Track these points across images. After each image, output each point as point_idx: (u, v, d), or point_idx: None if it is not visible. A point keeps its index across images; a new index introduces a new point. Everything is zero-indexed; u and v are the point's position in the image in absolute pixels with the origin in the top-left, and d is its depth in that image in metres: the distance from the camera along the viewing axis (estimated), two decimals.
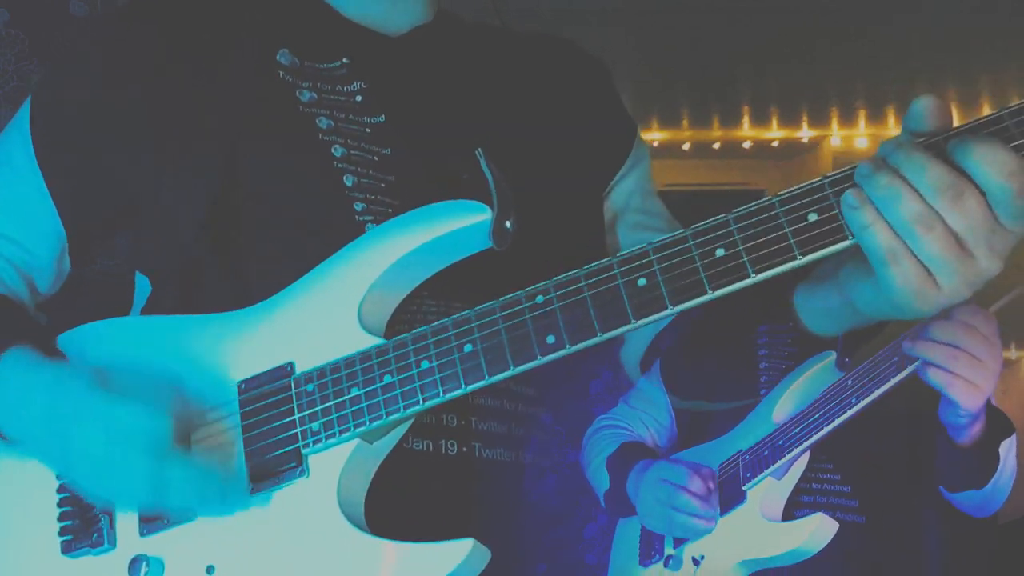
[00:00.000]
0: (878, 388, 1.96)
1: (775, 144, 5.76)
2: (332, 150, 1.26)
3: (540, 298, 1.05)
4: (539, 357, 1.05)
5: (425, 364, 1.09)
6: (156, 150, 1.26)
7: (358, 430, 1.11)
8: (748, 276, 0.97)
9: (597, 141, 1.41)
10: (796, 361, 2.23)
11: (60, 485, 1.21)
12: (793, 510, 2.19)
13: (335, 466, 1.12)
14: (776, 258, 0.96)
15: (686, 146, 5.57)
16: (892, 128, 5.72)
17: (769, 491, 2.19)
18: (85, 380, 1.11)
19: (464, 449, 1.25)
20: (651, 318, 1.01)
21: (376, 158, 1.28)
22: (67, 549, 1.18)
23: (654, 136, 5.23)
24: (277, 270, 1.20)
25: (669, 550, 2.33)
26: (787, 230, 0.96)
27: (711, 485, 2.21)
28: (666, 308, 1.00)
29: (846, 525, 2.14)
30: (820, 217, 0.95)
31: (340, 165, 1.26)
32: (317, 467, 1.13)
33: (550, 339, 1.04)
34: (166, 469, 1.08)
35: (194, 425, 1.15)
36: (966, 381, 1.77)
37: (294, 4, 1.36)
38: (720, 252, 0.98)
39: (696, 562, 2.26)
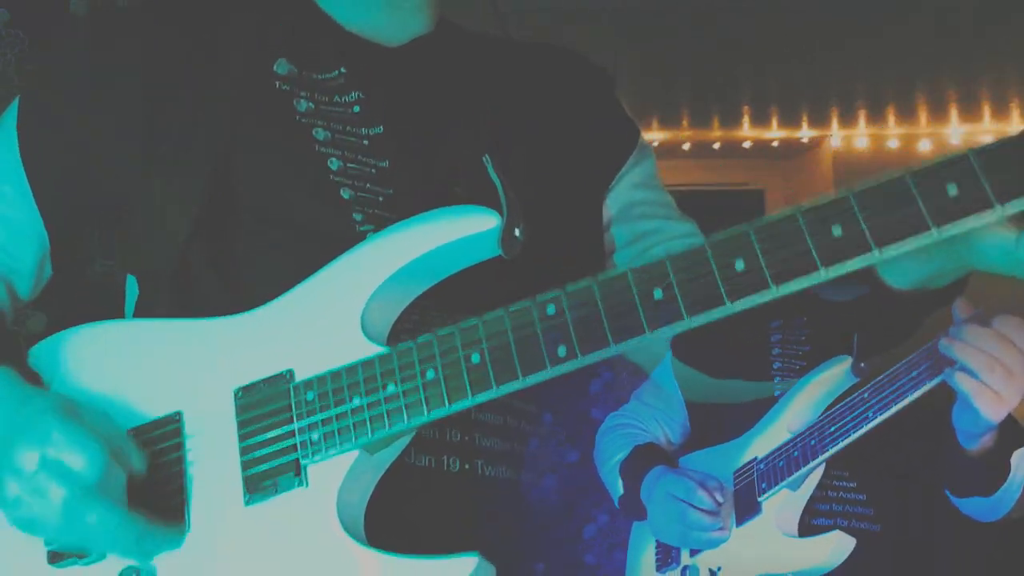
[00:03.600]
0: (896, 403, 1.96)
1: (775, 144, 5.75)
2: (328, 163, 1.24)
3: (551, 308, 1.02)
4: (549, 367, 1.01)
5: (431, 374, 1.06)
6: (146, 154, 1.23)
7: (360, 441, 1.08)
8: (768, 288, 0.94)
9: (597, 146, 1.39)
10: (809, 362, 2.23)
11: None
12: (809, 519, 2.18)
13: (335, 478, 1.09)
14: (797, 270, 0.93)
15: (686, 146, 5.56)
16: (892, 128, 5.72)
17: (785, 503, 2.17)
18: (49, 401, 1.10)
19: (467, 466, 1.23)
20: (667, 329, 0.98)
21: (374, 171, 1.25)
22: (54, 560, 1.14)
23: (654, 136, 5.23)
24: (272, 276, 1.17)
25: (686, 559, 2.32)
26: (809, 243, 0.93)
27: (719, 497, 2.20)
28: (683, 319, 0.97)
29: (861, 534, 2.12)
30: (844, 232, 0.92)
31: (336, 178, 1.24)
32: (316, 478, 1.09)
33: (561, 350, 1.01)
34: (84, 507, 1.05)
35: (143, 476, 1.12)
36: (994, 393, 1.73)
37: (292, 13, 1.33)
38: (740, 266, 0.95)
39: (713, 573, 2.26)
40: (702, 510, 2.18)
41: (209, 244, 1.23)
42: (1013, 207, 0.88)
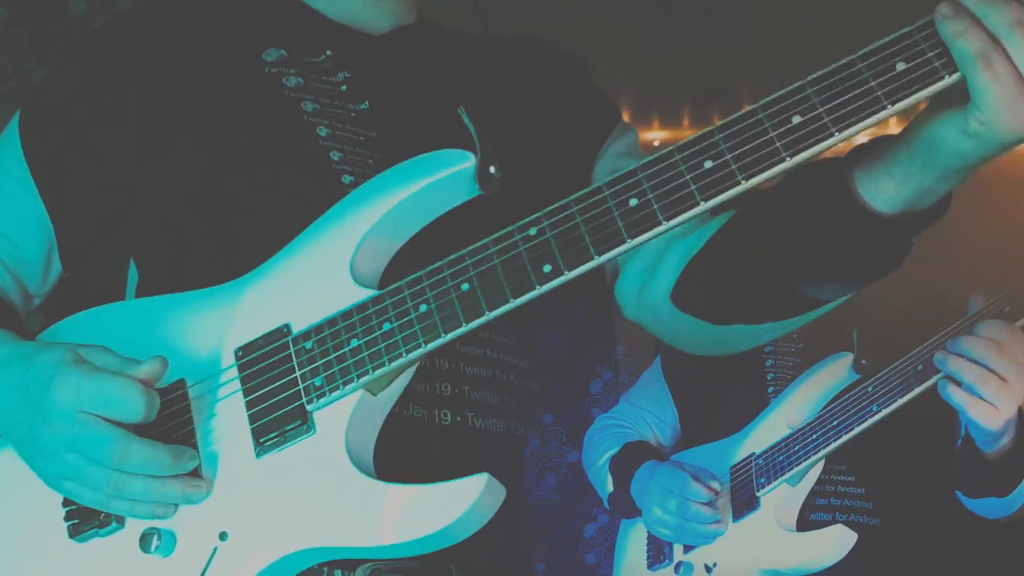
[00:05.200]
0: (901, 397, 1.93)
1: None
2: (317, 130, 1.29)
3: (533, 229, 1.06)
4: (538, 287, 1.05)
5: (423, 307, 1.09)
6: (143, 148, 1.29)
7: (362, 380, 1.10)
8: (738, 183, 0.97)
9: (579, 121, 1.43)
10: (804, 359, 2.22)
11: None
12: (808, 513, 2.15)
13: (341, 420, 1.11)
14: (763, 161, 0.97)
15: None
16: (893, 127, 5.71)
17: (784, 498, 2.14)
18: (62, 352, 1.12)
19: (458, 419, 1.25)
20: (646, 236, 1.01)
21: (362, 138, 1.30)
22: (75, 533, 1.17)
23: (654, 136, 5.22)
24: (268, 240, 1.21)
25: (679, 556, 2.28)
26: (772, 134, 0.96)
27: (716, 488, 2.17)
28: (660, 224, 1.00)
29: (860, 527, 2.09)
30: (803, 118, 0.96)
31: (326, 143, 1.28)
32: (323, 423, 1.12)
33: (547, 268, 1.04)
34: (130, 446, 1.08)
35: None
36: (988, 404, 1.74)
37: (277, 6, 1.40)
38: (708, 164, 0.98)
39: (708, 569, 2.22)
40: (699, 503, 2.15)
41: (206, 216, 1.27)
42: (958, 76, 0.91)
